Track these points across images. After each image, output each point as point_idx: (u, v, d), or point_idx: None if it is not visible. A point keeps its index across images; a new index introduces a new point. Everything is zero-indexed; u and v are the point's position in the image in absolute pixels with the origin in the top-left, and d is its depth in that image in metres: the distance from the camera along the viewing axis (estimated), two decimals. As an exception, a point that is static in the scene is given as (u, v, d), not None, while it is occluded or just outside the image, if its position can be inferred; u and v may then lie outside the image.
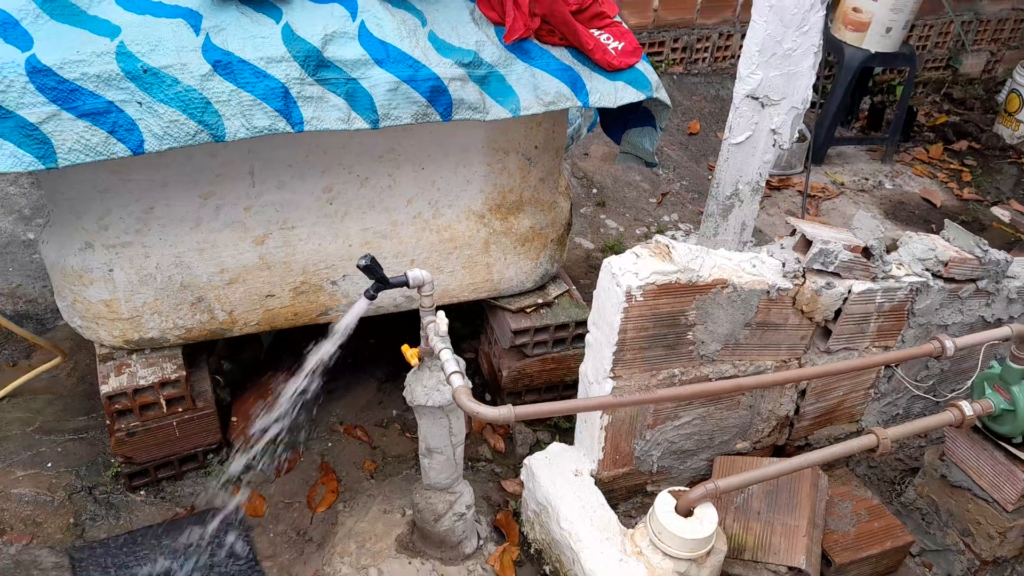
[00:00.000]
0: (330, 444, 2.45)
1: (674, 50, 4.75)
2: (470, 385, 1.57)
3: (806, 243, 1.98)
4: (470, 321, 2.77)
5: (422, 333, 1.74)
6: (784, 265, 1.97)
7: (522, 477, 2.18)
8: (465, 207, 2.16)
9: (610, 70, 1.87)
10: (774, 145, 2.91)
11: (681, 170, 4.23)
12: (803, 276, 1.97)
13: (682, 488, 1.89)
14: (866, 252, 2.01)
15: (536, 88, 1.81)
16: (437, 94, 1.73)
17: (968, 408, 1.98)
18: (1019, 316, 2.34)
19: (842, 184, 4.31)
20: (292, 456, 2.39)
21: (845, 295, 2.01)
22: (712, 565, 1.87)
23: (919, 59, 5.38)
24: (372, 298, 1.67)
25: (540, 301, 2.44)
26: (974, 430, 2.12)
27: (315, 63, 1.67)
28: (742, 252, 1.99)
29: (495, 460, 2.48)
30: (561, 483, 2.06)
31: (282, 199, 2.00)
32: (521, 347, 2.43)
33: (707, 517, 1.85)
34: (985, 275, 2.17)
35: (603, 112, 2.13)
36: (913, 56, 4.30)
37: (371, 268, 1.61)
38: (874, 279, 2.04)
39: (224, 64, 1.61)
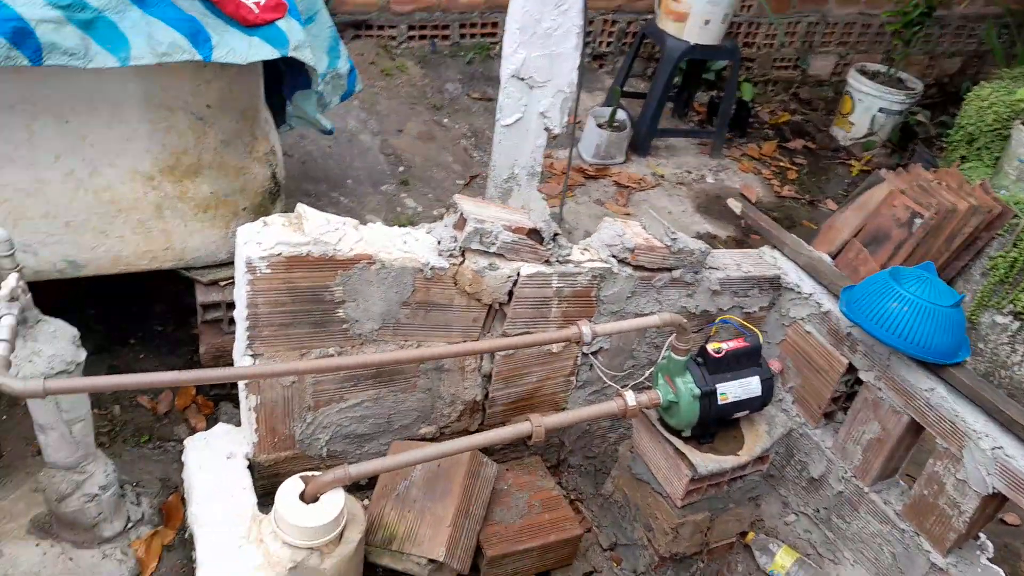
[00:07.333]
0: (4, 417, 2.27)
1: (510, 31, 4.66)
2: (9, 357, 1.43)
3: (466, 221, 1.89)
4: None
5: (8, 298, 1.59)
6: (440, 243, 1.87)
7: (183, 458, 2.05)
8: (129, 167, 2.01)
9: (247, 25, 1.74)
10: (545, 130, 2.84)
11: (498, 153, 4.14)
12: (462, 255, 1.89)
13: (315, 472, 1.79)
14: (536, 235, 1.94)
15: (151, 37, 1.67)
16: (22, 36, 1.57)
17: (632, 399, 1.91)
18: (728, 308, 2.31)
19: (662, 176, 4.28)
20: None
21: (514, 277, 1.93)
22: (341, 555, 1.77)
23: (766, 57, 5.41)
24: (-70, 255, 1.51)
25: (244, 274, 2.30)
26: (657, 422, 2.07)
27: None
28: (399, 228, 1.89)
29: (191, 440, 2.34)
30: (209, 466, 1.94)
31: (-101, 148, 1.81)
32: (216, 322, 2.30)
33: (333, 503, 1.74)
34: (679, 264, 2.12)
35: (277, 75, 2.00)
36: (735, 50, 4.29)
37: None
38: (547, 262, 1.97)
39: None
